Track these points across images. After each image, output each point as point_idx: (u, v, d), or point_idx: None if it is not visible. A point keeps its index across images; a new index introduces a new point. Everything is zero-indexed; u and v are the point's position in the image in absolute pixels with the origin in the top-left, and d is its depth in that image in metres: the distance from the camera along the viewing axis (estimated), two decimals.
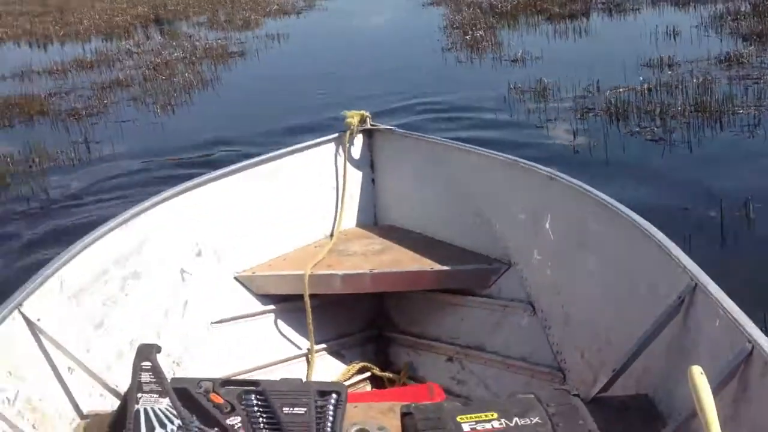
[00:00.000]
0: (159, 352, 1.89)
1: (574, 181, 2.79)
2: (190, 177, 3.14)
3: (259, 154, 3.38)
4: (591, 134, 6.44)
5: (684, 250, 2.19)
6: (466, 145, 3.39)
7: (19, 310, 2.20)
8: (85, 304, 2.46)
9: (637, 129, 6.47)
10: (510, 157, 3.13)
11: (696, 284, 2.06)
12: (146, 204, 2.86)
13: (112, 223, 2.68)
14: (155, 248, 2.83)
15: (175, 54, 12.65)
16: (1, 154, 7.14)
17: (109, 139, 7.48)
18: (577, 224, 2.74)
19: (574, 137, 6.45)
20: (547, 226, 2.89)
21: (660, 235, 2.28)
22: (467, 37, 11.37)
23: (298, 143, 3.48)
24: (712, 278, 2.04)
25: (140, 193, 5.84)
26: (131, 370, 1.87)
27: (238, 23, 16.86)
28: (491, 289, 3.13)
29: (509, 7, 14.41)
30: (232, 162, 3.32)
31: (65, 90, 10.40)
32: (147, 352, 1.88)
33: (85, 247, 2.52)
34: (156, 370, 1.86)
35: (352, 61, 11.39)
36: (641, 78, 7.76)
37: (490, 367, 2.99)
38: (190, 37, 15.36)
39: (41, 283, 2.30)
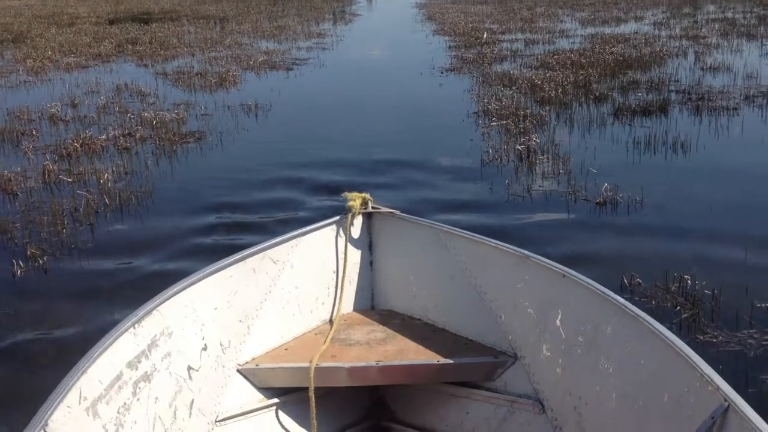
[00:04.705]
0: None
1: (590, 281, 2.67)
2: None
3: None
4: None
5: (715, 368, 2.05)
6: (474, 234, 3.19)
7: (45, 430, 2.11)
8: (101, 414, 2.37)
9: None
10: (521, 250, 2.98)
11: (729, 405, 1.97)
12: (154, 302, 2.72)
13: (122, 327, 2.55)
14: (163, 346, 2.70)
15: (109, 132, 9.20)
16: None
17: None
18: (592, 326, 2.60)
19: None
20: (558, 323, 2.76)
21: (688, 350, 2.18)
22: (518, 146, 7.98)
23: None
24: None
25: None
26: None
27: (212, 79, 13.53)
28: (496, 383, 2.98)
29: (559, 90, 11.12)
30: None
31: None
32: None
33: (100, 354, 2.42)
34: None
35: (358, 168, 7.92)
36: None
37: None
38: (144, 96, 12.01)
39: (62, 398, 2.21)
